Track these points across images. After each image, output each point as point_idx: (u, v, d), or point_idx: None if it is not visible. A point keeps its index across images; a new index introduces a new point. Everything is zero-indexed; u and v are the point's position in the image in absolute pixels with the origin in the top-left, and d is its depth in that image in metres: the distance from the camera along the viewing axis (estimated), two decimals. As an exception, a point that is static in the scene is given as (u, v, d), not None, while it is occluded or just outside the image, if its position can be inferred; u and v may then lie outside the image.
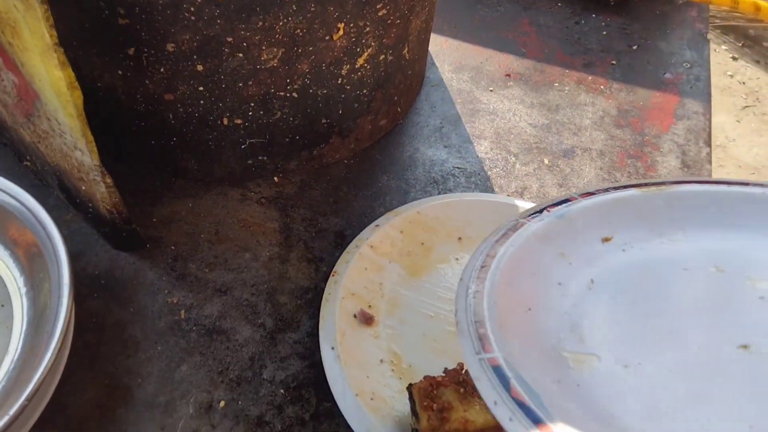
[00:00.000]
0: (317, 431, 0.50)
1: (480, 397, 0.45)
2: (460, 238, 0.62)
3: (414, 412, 0.47)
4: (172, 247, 0.60)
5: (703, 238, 0.47)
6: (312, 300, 0.58)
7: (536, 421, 0.31)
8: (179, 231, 0.61)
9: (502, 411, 0.32)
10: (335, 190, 0.67)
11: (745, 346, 0.39)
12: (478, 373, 0.35)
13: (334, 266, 0.58)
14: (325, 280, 0.59)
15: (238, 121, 0.59)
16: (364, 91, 0.63)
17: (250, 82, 0.56)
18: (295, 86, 0.58)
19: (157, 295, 0.56)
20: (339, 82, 0.60)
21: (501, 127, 0.75)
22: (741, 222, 0.47)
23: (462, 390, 0.46)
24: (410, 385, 0.48)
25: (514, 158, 0.72)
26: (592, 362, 0.38)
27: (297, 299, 0.58)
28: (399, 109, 0.72)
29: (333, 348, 0.51)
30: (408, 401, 0.48)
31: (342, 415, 0.49)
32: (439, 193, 0.67)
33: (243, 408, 0.51)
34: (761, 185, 0.48)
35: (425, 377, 0.48)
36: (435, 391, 0.46)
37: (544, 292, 0.43)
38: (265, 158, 0.64)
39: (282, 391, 0.52)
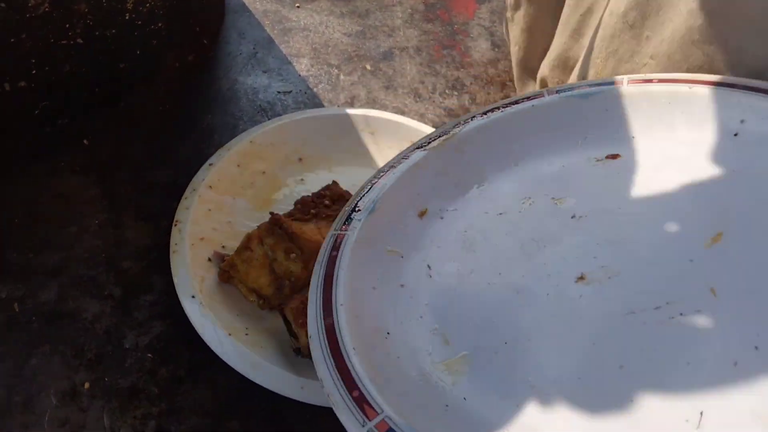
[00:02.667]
0: (197, 383, 0.48)
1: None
2: (300, 159, 0.60)
3: (291, 332, 0.46)
4: (-17, 240, 0.53)
5: (502, 174, 0.45)
6: (158, 258, 0.54)
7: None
8: (-14, 221, 0.54)
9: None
10: (155, 141, 0.62)
11: (582, 278, 0.38)
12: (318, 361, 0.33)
13: (174, 218, 0.54)
14: (168, 234, 0.55)
15: (22, 84, 0.52)
16: (159, 24, 0.58)
17: (23, 35, 0.49)
18: (77, 31, 0.51)
19: (-22, 295, 0.50)
20: (126, 17, 0.54)
21: (316, 42, 0.73)
22: (525, 143, 0.46)
23: (333, 300, 0.46)
24: (281, 306, 0.47)
25: (336, 70, 0.71)
26: (466, 362, 0.36)
27: (141, 261, 0.54)
28: (205, 41, 0.67)
29: (194, 296, 0.48)
30: (284, 324, 0.47)
31: (220, 361, 0.47)
32: (269, 119, 0.64)
33: (111, 383, 0.47)
34: (530, 98, 0.47)
35: (294, 296, 0.47)
36: (307, 309, 0.46)
37: (392, 303, 0.39)
38: (66, 121, 0.57)
39: (149, 355, 0.49)
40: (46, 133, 0.57)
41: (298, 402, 0.46)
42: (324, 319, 0.37)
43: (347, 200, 0.53)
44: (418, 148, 0.46)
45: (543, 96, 0.46)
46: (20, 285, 0.51)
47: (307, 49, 0.72)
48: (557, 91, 0.46)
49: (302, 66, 0.71)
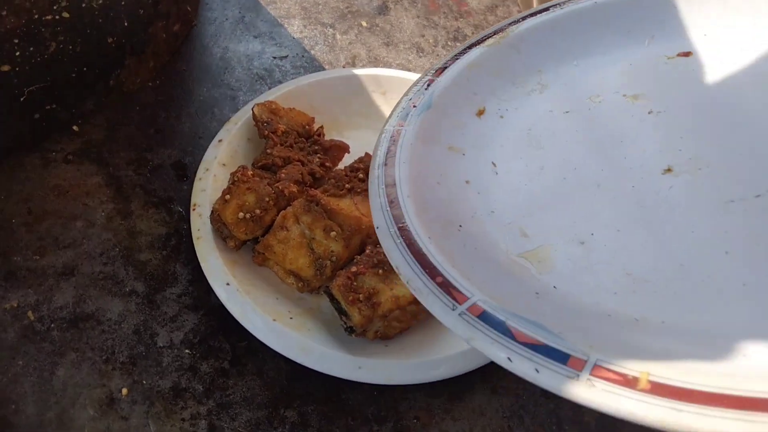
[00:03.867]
0: (244, 374, 0.45)
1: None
2: (311, 126, 0.57)
3: (341, 311, 0.43)
4: (-20, 246, 0.48)
5: (562, 72, 0.44)
6: (178, 246, 0.50)
7: (563, 358, 0.26)
8: (-20, 224, 0.49)
9: (523, 364, 0.26)
10: (152, 119, 0.57)
11: (669, 170, 0.36)
12: (468, 332, 0.28)
13: (190, 200, 0.50)
14: (184, 219, 0.51)
15: (6, 68, 0.46)
16: (146, -9, 0.53)
17: (4, 12, 0.43)
18: (63, 4, 0.46)
19: (-12, 306, 0.45)
20: (114, -15, 0.49)
21: (305, 0, 0.68)
22: (587, 42, 0.44)
23: (380, 271, 0.44)
24: (327, 287, 0.44)
25: (331, 30, 0.66)
26: (548, 253, 0.34)
27: (160, 251, 0.50)
28: (189, 8, 0.62)
29: (228, 284, 0.45)
30: (331, 305, 0.44)
31: (265, 348, 0.44)
32: (269, 88, 0.60)
33: (151, 386, 0.44)
34: None
35: (339, 273, 0.44)
36: (355, 283, 0.43)
37: (461, 202, 0.37)
38: (55, 106, 0.52)
39: (187, 350, 0.45)
40: (34, 121, 0.51)
41: (356, 383, 0.44)
42: (391, 209, 0.34)
43: None
44: (471, 46, 0.43)
45: None
46: (31, 291, 0.46)
47: (296, 8, 0.68)
48: None
49: (294, 28, 0.66)
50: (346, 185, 0.48)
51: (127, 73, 0.56)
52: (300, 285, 0.47)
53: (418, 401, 0.45)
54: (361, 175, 0.49)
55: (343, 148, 0.53)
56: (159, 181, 0.53)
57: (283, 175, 0.48)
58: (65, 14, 0.47)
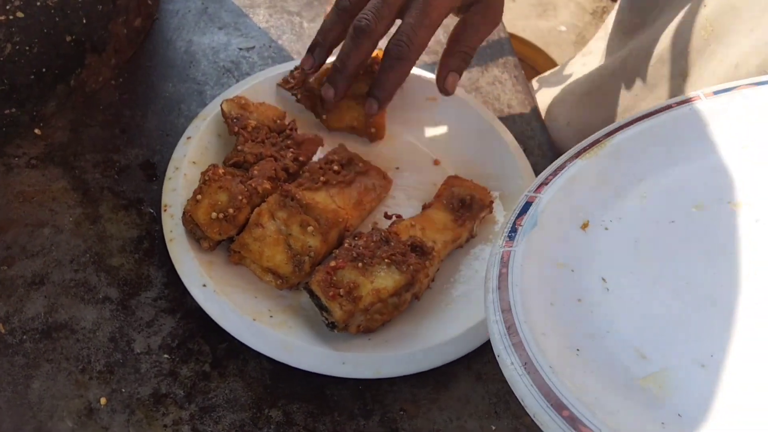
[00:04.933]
0: (226, 376, 0.44)
1: (379, 263, 0.43)
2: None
3: (321, 307, 0.43)
4: (-56, 259, 0.46)
5: (663, 180, 0.43)
6: (151, 248, 0.49)
7: None
8: (-58, 236, 0.47)
9: None
10: (117, 118, 0.55)
11: None
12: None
13: (160, 202, 0.48)
14: (156, 221, 0.50)
15: (-43, 73, 0.44)
16: (103, -14, 0.51)
17: (-49, 14, 0.41)
18: (16, 3, 0.44)
19: (-45, 321, 0.44)
20: (69, -19, 0.47)
21: (270, -11, 0.67)
22: (685, 149, 0.43)
23: (360, 264, 0.43)
24: (306, 284, 0.43)
25: (298, 18, 0.65)
26: (669, 377, 0.33)
27: (132, 254, 0.48)
28: (150, 1, 0.60)
29: (205, 285, 0.44)
30: (311, 300, 0.43)
31: (246, 348, 0.43)
32: (237, 81, 0.58)
33: (130, 394, 0.43)
34: (681, 103, 0.44)
35: (318, 269, 0.44)
36: (334, 278, 0.43)
37: (574, 319, 0.37)
38: (14, 110, 0.50)
39: (166, 355, 0.44)
40: (-8, 127, 0.49)
41: (341, 378, 0.43)
42: (510, 338, 0.34)
43: (357, 163, 0.49)
44: (570, 159, 0.43)
45: (699, 98, 0.43)
46: (0, 302, 0.45)
47: (261, -3, 0.66)
48: (714, 93, 0.43)
49: (260, 17, 0.64)
50: (321, 178, 0.47)
51: (88, 72, 0.54)
52: (279, 282, 0.46)
53: (403, 393, 0.44)
54: (335, 168, 0.48)
55: (317, 142, 0.52)
56: (127, 182, 0.52)
57: (255, 171, 0.47)
58: (19, 14, 0.45)
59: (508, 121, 0.60)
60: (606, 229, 0.41)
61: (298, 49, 0.62)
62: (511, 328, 0.34)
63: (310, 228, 0.44)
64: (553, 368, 0.32)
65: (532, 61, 1.39)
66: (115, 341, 0.44)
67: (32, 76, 0.49)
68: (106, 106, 0.56)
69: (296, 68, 0.55)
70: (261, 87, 0.55)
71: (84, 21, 0.50)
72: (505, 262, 0.38)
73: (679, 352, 0.34)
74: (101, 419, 0.42)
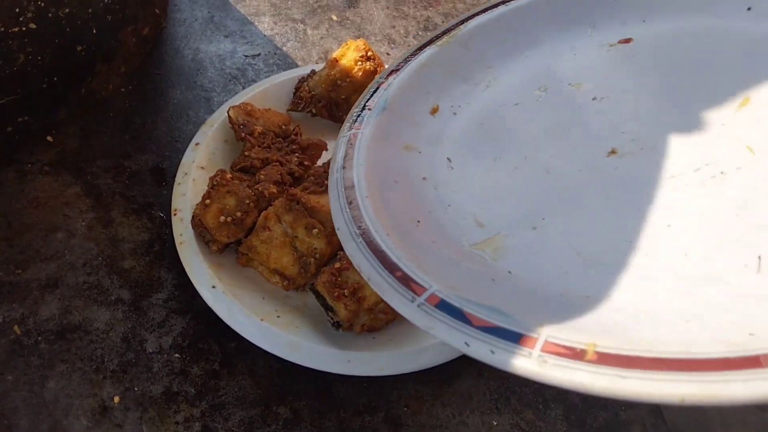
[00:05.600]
0: (235, 375, 0.45)
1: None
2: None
3: (327, 307, 0.44)
4: (-39, 263, 0.47)
5: (511, 67, 0.45)
6: (161, 251, 0.50)
7: (515, 338, 0.27)
8: (-41, 241, 0.48)
9: (479, 347, 0.28)
10: (127, 125, 0.57)
11: (613, 152, 0.38)
12: (427, 321, 0.29)
13: (170, 206, 0.50)
14: (166, 224, 0.51)
15: (-27, 83, 0.46)
16: (113, -3, 0.52)
17: (-33, 27, 0.43)
18: (29, 15, 0.45)
19: (-27, 323, 0.45)
20: (80, -7, 0.49)
21: (274, -3, 0.68)
22: (532, 35, 0.46)
23: (364, 266, 0.44)
24: (312, 284, 0.44)
25: (302, 25, 0.66)
26: (502, 241, 0.35)
27: (144, 257, 0.50)
28: (157, 11, 0.61)
29: (214, 287, 0.45)
30: (317, 301, 0.44)
31: (255, 347, 0.44)
32: (243, 88, 0.60)
33: (143, 392, 0.44)
34: None
35: (323, 270, 0.45)
36: (339, 279, 0.44)
37: (417, 194, 0.39)
38: (27, 117, 0.51)
39: (177, 355, 0.46)
40: (7, 134, 0.51)
41: (346, 376, 0.45)
42: (351, 211, 0.36)
43: None
44: (422, 47, 0.45)
45: None
46: (15, 305, 0.46)
47: (266, 5, 0.68)
48: None
49: (265, 25, 0.66)
50: (326, 182, 0.48)
51: (98, 81, 0.55)
52: (285, 283, 0.47)
53: (407, 390, 0.46)
54: None
55: (321, 146, 0.53)
56: (138, 187, 0.53)
57: (262, 176, 0.48)
58: (32, 25, 0.46)
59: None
60: (454, 114, 0.43)
61: (302, 55, 0.64)
62: (352, 203, 0.36)
63: (315, 230, 0.46)
64: (389, 236, 0.33)
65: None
66: (127, 341, 0.46)
67: (44, 85, 0.51)
68: (117, 113, 0.57)
69: (298, 82, 0.56)
70: (267, 93, 0.56)
71: (94, 31, 0.52)
72: (351, 144, 0.39)
73: (513, 219, 0.36)
74: (115, 417, 0.43)
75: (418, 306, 0.30)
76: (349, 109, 0.56)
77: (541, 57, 0.46)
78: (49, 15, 0.47)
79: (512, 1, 0.47)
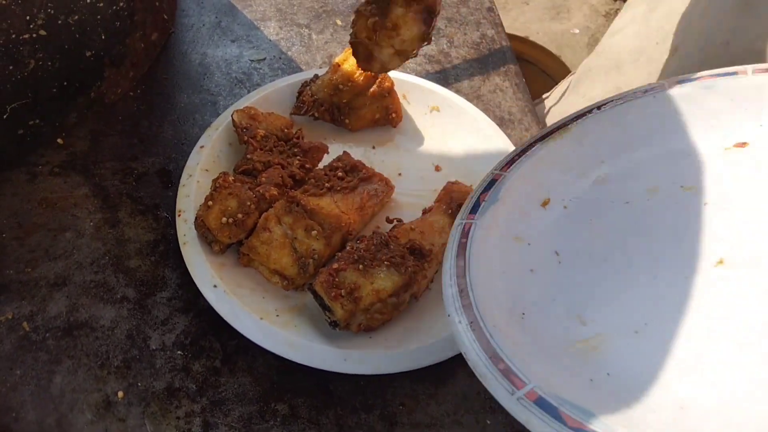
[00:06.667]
0: (235, 372, 0.46)
1: (379, 265, 0.45)
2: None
3: (324, 307, 0.45)
4: (-26, 261, 0.49)
5: (622, 164, 0.46)
6: (166, 251, 0.52)
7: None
8: (-28, 240, 0.50)
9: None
10: (134, 128, 0.58)
11: (720, 262, 0.38)
12: (524, 415, 0.31)
13: (174, 207, 0.51)
14: (171, 225, 0.53)
15: (-14, 87, 0.47)
16: (121, 3, 0.54)
17: (-20, 34, 0.44)
18: (39, 22, 0.47)
19: (-16, 320, 0.47)
20: (88, 0, 0.50)
21: (280, 2, 0.70)
22: (646, 133, 0.46)
23: (361, 266, 0.45)
24: (310, 284, 0.46)
25: (307, 30, 0.67)
26: (604, 341, 0.37)
27: (149, 257, 0.51)
28: (165, 16, 0.63)
29: (216, 286, 0.47)
30: (315, 301, 0.46)
31: (255, 345, 0.46)
32: (248, 92, 0.61)
33: (146, 388, 0.45)
34: (645, 91, 0.47)
35: (321, 270, 0.46)
36: (337, 279, 0.45)
37: (523, 287, 0.40)
38: (38, 121, 0.53)
39: (179, 352, 0.47)
40: (18, 137, 0.53)
41: (343, 374, 0.46)
42: (461, 300, 0.37)
43: (360, 170, 0.52)
44: (536, 141, 0.46)
45: (663, 87, 0.46)
46: (25, 302, 0.48)
47: (272, 11, 0.69)
48: (678, 82, 0.46)
49: (271, 30, 0.67)
50: (326, 184, 0.50)
51: (107, 85, 0.57)
52: (285, 284, 0.48)
53: (403, 388, 0.47)
54: (340, 174, 0.51)
55: (322, 149, 0.54)
56: (145, 188, 0.55)
57: (263, 178, 0.50)
58: (42, 32, 0.48)
59: (509, 127, 0.62)
60: (565, 207, 0.44)
61: (306, 60, 0.65)
62: (462, 292, 0.37)
63: (314, 232, 0.47)
64: (496, 327, 0.35)
65: (543, 66, 1.40)
66: (132, 338, 0.47)
67: (54, 89, 0.52)
68: (125, 116, 0.59)
69: (301, 87, 0.57)
70: (270, 97, 0.58)
71: (102, 37, 0.54)
72: (465, 233, 0.41)
73: (616, 320, 0.37)
74: (118, 411, 0.44)
75: (518, 399, 0.31)
76: (351, 113, 0.57)
77: (655, 156, 0.46)
78: (59, 22, 0.49)
79: (625, 99, 0.47)
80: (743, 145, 0.43)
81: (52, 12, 0.48)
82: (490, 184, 0.44)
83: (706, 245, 0.39)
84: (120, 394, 0.45)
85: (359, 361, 0.45)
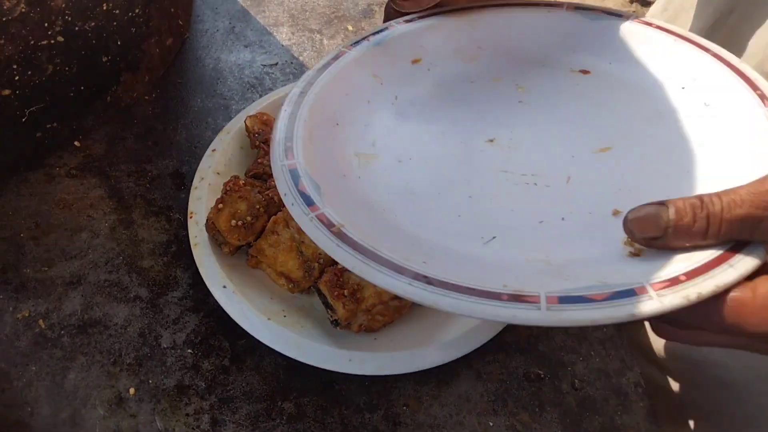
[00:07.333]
0: (243, 371, 0.47)
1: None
2: (300, 132, 0.59)
3: (328, 305, 0.46)
4: (-7, 260, 0.51)
5: (496, 57, 0.51)
6: (178, 252, 0.53)
7: (309, 204, 0.37)
8: (-8, 239, 0.52)
9: (288, 199, 0.38)
10: (149, 131, 0.60)
11: (491, 140, 0.46)
12: (278, 174, 0.39)
13: (187, 209, 0.52)
14: (183, 226, 0.54)
15: (6, 92, 0.49)
16: (137, 10, 0.55)
17: (2, 41, 0.46)
18: (57, 29, 0.49)
19: (3, 317, 0.48)
20: (104, 8, 0.52)
21: (293, 8, 0.71)
22: (526, 39, 0.52)
23: (367, 270, 0.46)
24: (316, 282, 0.46)
25: (318, 35, 0.69)
26: (374, 160, 0.44)
27: (161, 257, 0.53)
28: (181, 22, 0.64)
29: (225, 287, 0.48)
30: (320, 299, 0.47)
31: (262, 345, 0.46)
32: (260, 96, 0.62)
33: (156, 385, 0.47)
34: (549, 4, 0.52)
35: (327, 269, 0.47)
36: (341, 279, 0.46)
37: (352, 108, 0.48)
38: (56, 124, 0.55)
39: (190, 350, 0.48)
40: (37, 139, 0.54)
41: (348, 375, 0.46)
42: (299, 95, 0.45)
43: None
44: (445, 12, 0.52)
45: (562, 7, 0.52)
46: (41, 300, 0.49)
47: (284, 16, 0.70)
48: (576, 8, 0.51)
49: (283, 35, 0.68)
50: None
51: (123, 89, 0.59)
52: (290, 286, 0.49)
53: (407, 389, 0.47)
54: None
55: None
56: (158, 190, 0.56)
57: (273, 183, 0.51)
58: (60, 38, 0.49)
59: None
60: (428, 69, 0.51)
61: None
62: (292, 115, 0.44)
63: (321, 235, 0.48)
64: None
65: None
66: (144, 336, 0.48)
67: (72, 94, 0.54)
68: (140, 120, 0.60)
69: None
70: (281, 102, 0.59)
71: (119, 42, 0.55)
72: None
73: (392, 149, 0.46)
74: (130, 407, 0.46)
75: (281, 165, 0.39)
76: None
77: (521, 58, 0.52)
78: (76, 28, 0.50)
79: (526, 7, 0.53)
80: (586, 72, 0.50)
81: (70, 19, 0.49)
82: (383, 30, 0.51)
83: (493, 127, 0.47)
84: (131, 390, 0.46)
85: (363, 362, 0.46)
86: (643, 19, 0.49)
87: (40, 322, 0.48)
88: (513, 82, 0.50)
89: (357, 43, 0.50)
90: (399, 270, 0.34)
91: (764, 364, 0.49)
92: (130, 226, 0.54)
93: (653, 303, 0.30)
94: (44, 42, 0.49)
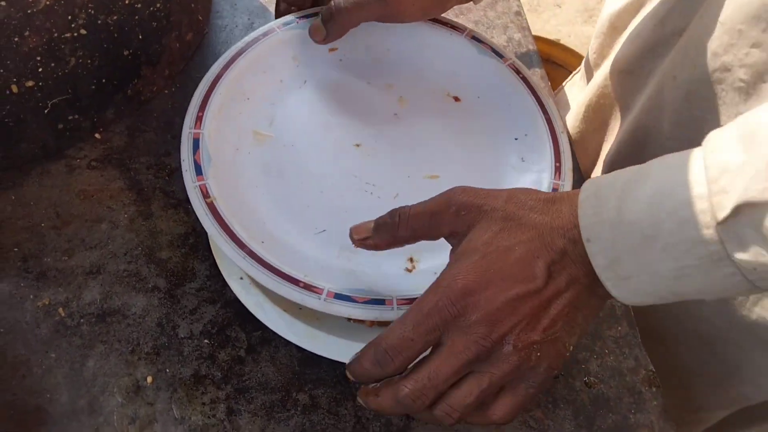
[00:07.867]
0: (259, 361, 0.48)
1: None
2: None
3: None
4: (15, 249, 0.52)
5: (396, 63, 0.58)
6: (196, 243, 0.53)
7: (198, 173, 0.46)
8: (14, 228, 0.53)
9: (184, 165, 0.47)
10: (169, 125, 0.60)
11: (357, 145, 0.53)
12: (183, 141, 0.48)
13: (204, 200, 0.53)
14: (200, 218, 0.54)
15: (30, 83, 0.50)
16: (158, 5, 0.56)
17: (27, 33, 0.47)
18: (80, 22, 0.49)
19: (24, 304, 0.49)
20: (127, 2, 0.52)
21: (311, 5, 0.71)
22: (424, 54, 0.58)
23: (383, 263, 0.46)
24: (332, 279, 0.47)
25: (336, 31, 0.69)
26: (266, 140, 0.51)
27: (180, 249, 0.53)
28: (200, 18, 0.65)
29: (242, 278, 0.48)
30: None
31: (278, 336, 0.47)
32: (277, 91, 0.63)
33: (173, 374, 0.47)
34: (455, 26, 0.59)
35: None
36: (358, 275, 0.46)
37: (265, 85, 0.53)
38: (77, 116, 0.55)
39: (206, 341, 0.49)
40: (58, 131, 0.55)
41: (363, 367, 0.47)
42: (223, 66, 0.53)
43: None
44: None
45: (463, 33, 0.59)
46: (61, 289, 0.50)
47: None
48: (473, 37, 0.58)
49: (301, 31, 0.69)
50: None
51: (143, 83, 0.59)
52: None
53: (421, 384, 0.47)
54: None
55: None
56: (177, 183, 0.57)
57: None
58: (83, 31, 0.50)
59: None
60: (340, 60, 0.58)
61: (335, 60, 0.66)
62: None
63: (337, 227, 0.48)
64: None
65: (573, 69, 1.40)
66: (161, 326, 0.49)
67: (93, 86, 0.55)
68: (160, 113, 0.61)
69: None
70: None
71: (140, 36, 0.56)
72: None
73: (283, 133, 0.53)
74: (147, 396, 0.46)
75: (189, 132, 0.49)
76: None
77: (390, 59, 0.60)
78: (99, 22, 0.51)
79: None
80: (458, 99, 0.57)
81: (93, 12, 0.50)
82: (315, 14, 0.56)
83: (364, 133, 0.53)
84: (149, 379, 0.47)
85: (378, 355, 0.46)
86: (515, 63, 0.56)
87: (60, 310, 0.49)
88: (399, 92, 0.56)
89: (289, 23, 0.55)
90: (240, 245, 0.43)
91: (745, 316, 0.49)
92: (149, 217, 0.55)
93: (393, 312, 0.42)
94: (67, 35, 0.49)
